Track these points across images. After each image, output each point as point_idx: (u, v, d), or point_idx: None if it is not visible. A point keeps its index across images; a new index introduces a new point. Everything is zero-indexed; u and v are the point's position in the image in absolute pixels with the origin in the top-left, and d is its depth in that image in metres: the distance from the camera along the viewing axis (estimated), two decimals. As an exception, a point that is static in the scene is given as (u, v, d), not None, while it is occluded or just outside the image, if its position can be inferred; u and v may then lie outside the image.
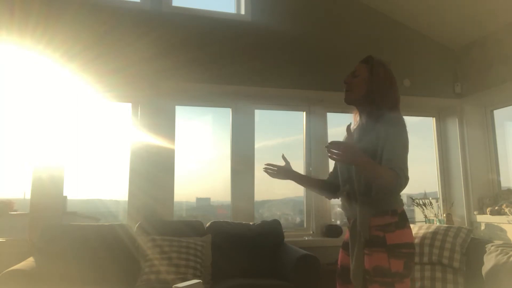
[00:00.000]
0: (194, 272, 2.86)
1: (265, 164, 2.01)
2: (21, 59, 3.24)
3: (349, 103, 1.85)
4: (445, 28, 4.15)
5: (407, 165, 1.61)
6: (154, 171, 3.45)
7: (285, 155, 2.02)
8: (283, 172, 2.00)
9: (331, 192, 2.02)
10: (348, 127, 1.69)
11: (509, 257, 2.66)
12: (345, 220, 4.48)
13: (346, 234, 1.87)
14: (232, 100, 3.87)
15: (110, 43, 3.45)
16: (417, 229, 3.34)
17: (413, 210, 4.26)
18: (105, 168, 3.65)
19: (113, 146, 3.69)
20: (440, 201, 4.29)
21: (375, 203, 1.66)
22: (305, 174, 3.99)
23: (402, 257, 1.60)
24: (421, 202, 4.07)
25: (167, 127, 3.59)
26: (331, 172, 2.06)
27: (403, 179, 1.56)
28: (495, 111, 4.17)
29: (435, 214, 4.04)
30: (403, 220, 1.67)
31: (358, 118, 1.89)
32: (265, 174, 2.05)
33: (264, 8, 3.94)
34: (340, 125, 4.25)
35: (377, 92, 1.76)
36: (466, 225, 3.98)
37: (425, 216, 4.03)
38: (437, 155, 4.40)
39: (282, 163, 2.03)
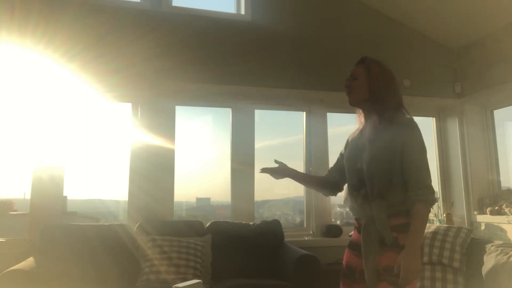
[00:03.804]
0: (194, 272, 2.86)
1: (260, 169, 2.07)
2: (21, 59, 3.24)
3: (354, 105, 1.86)
4: (445, 28, 4.15)
5: (429, 172, 1.68)
6: (154, 171, 3.45)
7: (277, 159, 2.07)
8: (279, 171, 2.05)
9: (329, 189, 2.06)
10: None
11: (509, 257, 2.66)
12: (345, 220, 4.50)
13: (353, 235, 1.87)
14: (232, 100, 3.86)
15: (110, 43, 3.45)
16: (417, 229, 3.33)
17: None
18: (105, 168, 3.64)
19: (113, 146, 3.69)
20: (440, 201, 4.29)
21: (391, 205, 1.67)
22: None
23: None
24: (421, 202, 4.06)
25: (167, 127, 3.59)
26: (331, 169, 2.06)
27: (432, 197, 1.65)
28: (495, 111, 4.17)
29: (435, 214, 4.05)
30: None
31: (362, 119, 1.89)
32: (265, 174, 2.07)
33: (264, 8, 3.94)
34: (340, 125, 4.25)
35: (378, 90, 1.77)
36: (466, 225, 3.97)
37: (425, 216, 4.03)
38: (437, 155, 4.40)
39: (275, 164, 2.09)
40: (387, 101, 1.76)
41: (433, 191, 1.66)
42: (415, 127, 1.71)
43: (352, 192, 1.84)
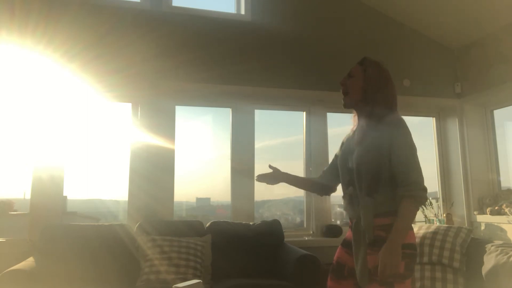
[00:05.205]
0: (194, 272, 2.86)
1: (256, 177, 2.09)
2: (21, 59, 3.24)
3: (348, 107, 1.87)
4: (445, 28, 4.15)
5: (420, 169, 1.66)
6: (154, 171, 3.45)
7: (271, 164, 2.09)
8: (274, 177, 2.07)
9: (320, 190, 2.11)
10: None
11: (509, 257, 2.66)
12: (345, 220, 4.51)
13: (347, 233, 1.88)
14: (232, 100, 3.86)
15: (110, 43, 3.44)
16: (417, 229, 3.34)
17: (413, 210, 4.25)
18: (105, 168, 3.65)
19: (113, 146, 3.69)
20: (440, 201, 4.29)
21: (378, 204, 1.67)
22: (305, 173, 4.00)
23: (404, 258, 1.59)
24: (421, 202, 4.06)
25: (167, 127, 3.59)
26: (324, 171, 2.09)
27: (421, 193, 1.62)
28: (495, 111, 4.17)
29: (435, 214, 4.05)
30: None
31: (357, 120, 1.90)
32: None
33: (264, 8, 3.94)
34: (340, 125, 4.25)
35: (371, 90, 1.77)
36: (466, 225, 3.97)
37: (425, 216, 4.04)
38: (437, 155, 4.39)
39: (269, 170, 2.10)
40: (378, 102, 1.76)
41: (422, 188, 1.63)
42: (403, 125, 1.70)
43: (344, 191, 1.86)
